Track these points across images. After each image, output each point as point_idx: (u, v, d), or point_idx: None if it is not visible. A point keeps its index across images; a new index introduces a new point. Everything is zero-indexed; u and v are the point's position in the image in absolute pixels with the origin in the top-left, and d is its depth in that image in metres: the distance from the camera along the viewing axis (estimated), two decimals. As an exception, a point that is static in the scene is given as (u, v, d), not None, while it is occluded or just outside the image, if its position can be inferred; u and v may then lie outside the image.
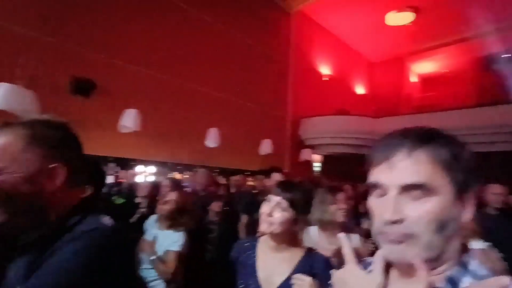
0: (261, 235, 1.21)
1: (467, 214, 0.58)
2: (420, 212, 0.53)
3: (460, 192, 0.56)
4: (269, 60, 9.01)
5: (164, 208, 2.30)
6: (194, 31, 7.27)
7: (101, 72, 5.62)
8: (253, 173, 6.75)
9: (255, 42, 8.59)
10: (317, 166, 9.65)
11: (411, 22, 10.01)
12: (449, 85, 11.93)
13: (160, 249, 2.18)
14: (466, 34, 10.19)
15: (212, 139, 6.57)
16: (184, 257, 2.22)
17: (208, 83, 7.41)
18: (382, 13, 9.83)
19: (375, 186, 0.59)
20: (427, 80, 13.55)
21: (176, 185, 3.59)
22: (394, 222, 0.53)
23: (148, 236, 2.28)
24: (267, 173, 3.18)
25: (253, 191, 3.65)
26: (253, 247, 1.25)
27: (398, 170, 0.55)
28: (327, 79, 10.62)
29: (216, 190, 3.83)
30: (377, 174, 0.58)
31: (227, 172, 7.36)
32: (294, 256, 1.18)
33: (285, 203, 1.16)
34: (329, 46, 11.04)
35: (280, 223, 1.14)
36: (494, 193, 2.80)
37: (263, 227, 1.16)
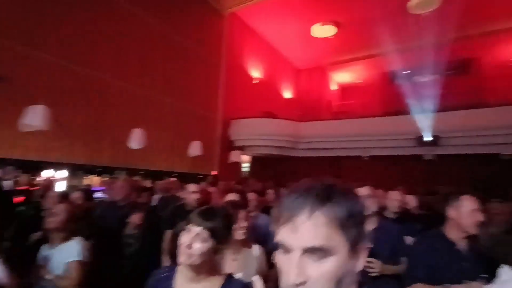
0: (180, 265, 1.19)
1: (360, 264, 0.65)
2: (320, 272, 0.59)
3: (354, 245, 0.63)
4: (201, 60, 8.85)
5: (53, 220, 2.04)
6: (122, 23, 6.70)
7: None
8: (180, 175, 6.58)
9: (187, 40, 8.34)
10: (245, 167, 9.88)
11: (333, 35, 10.93)
12: (362, 94, 13.45)
13: (58, 267, 1.93)
14: (376, 51, 11.63)
15: (136, 140, 6.18)
16: (90, 267, 2.02)
17: (134, 80, 6.92)
18: (308, 24, 10.52)
19: (280, 245, 0.63)
20: (345, 89, 15.03)
21: (87, 196, 3.29)
22: (298, 285, 0.58)
23: (39, 260, 2.01)
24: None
25: (180, 200, 3.53)
26: (170, 278, 1.22)
27: (300, 233, 0.60)
28: (257, 82, 10.92)
29: (138, 199, 3.61)
30: (282, 234, 0.63)
31: (153, 175, 7.02)
32: (213, 285, 1.18)
33: (205, 233, 1.16)
34: (260, 50, 11.37)
35: (200, 254, 1.12)
36: (393, 199, 3.24)
37: (182, 258, 1.14)
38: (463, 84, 11.44)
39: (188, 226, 1.19)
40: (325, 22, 10.44)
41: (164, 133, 7.37)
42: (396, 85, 11.20)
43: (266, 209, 3.23)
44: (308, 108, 12.71)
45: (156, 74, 7.45)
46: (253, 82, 10.88)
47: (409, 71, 11.83)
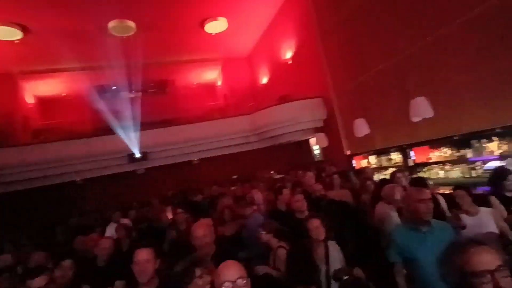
0: None
1: None
2: None
3: None
4: None
5: None
6: None
7: None
8: None
9: None
10: None
11: (20, 40, 9.12)
12: (69, 110, 12.27)
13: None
14: (80, 64, 11.04)
15: None
16: None
17: None
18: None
19: None
20: (46, 103, 12.90)
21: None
22: None
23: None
24: None
25: None
26: None
27: None
28: None
29: None
30: None
31: None
32: None
33: None
34: None
35: None
36: (102, 247, 3.10)
37: None
38: (163, 102, 13.48)
39: None
40: (4, 23, 8.47)
41: None
42: (104, 101, 11.21)
43: None
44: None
45: None
46: None
47: (116, 88, 12.26)
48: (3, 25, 8.55)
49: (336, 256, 2.34)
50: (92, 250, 3.08)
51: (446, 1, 4.84)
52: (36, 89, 12.39)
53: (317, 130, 8.73)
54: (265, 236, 2.63)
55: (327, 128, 8.65)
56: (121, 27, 9.66)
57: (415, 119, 4.92)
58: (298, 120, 8.64)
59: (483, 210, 2.60)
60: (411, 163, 5.84)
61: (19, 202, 8.56)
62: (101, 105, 11.06)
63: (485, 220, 2.51)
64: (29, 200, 8.65)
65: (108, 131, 9.19)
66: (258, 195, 4.98)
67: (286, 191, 4.17)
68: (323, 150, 9.33)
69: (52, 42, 9.53)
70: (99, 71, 11.46)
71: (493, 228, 2.46)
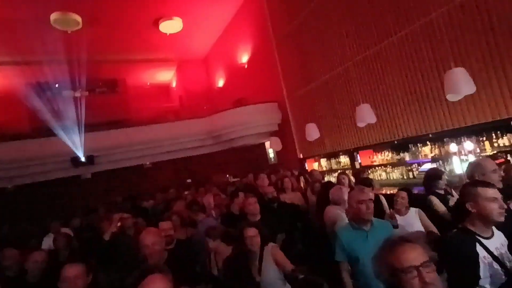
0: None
1: None
2: None
3: None
4: None
5: None
6: None
7: None
8: None
9: None
10: None
11: None
12: (2, 108, 10.99)
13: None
14: (16, 58, 9.99)
15: None
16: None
17: None
18: None
19: None
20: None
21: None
22: None
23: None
24: None
25: None
26: None
27: None
28: None
29: None
30: None
31: None
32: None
33: None
34: None
35: None
36: (34, 260, 2.75)
37: None
38: (112, 102, 12.71)
39: None
40: None
41: None
42: (44, 100, 10.23)
43: None
44: None
45: None
46: None
47: (58, 86, 11.27)
48: None
49: (272, 267, 2.23)
50: (22, 265, 2.75)
51: (387, 16, 5.25)
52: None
53: (272, 134, 8.89)
54: (212, 244, 2.48)
55: (281, 132, 8.84)
56: (65, 20, 8.92)
57: (360, 124, 5.23)
58: (254, 123, 8.72)
59: (411, 210, 2.86)
60: (357, 166, 6.21)
61: None
62: (40, 104, 10.06)
63: (411, 220, 2.78)
64: None
65: (48, 132, 8.38)
66: (209, 200, 4.86)
67: (241, 194, 4.15)
68: (277, 153, 9.52)
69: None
70: (38, 66, 10.44)
71: (418, 226, 2.72)
